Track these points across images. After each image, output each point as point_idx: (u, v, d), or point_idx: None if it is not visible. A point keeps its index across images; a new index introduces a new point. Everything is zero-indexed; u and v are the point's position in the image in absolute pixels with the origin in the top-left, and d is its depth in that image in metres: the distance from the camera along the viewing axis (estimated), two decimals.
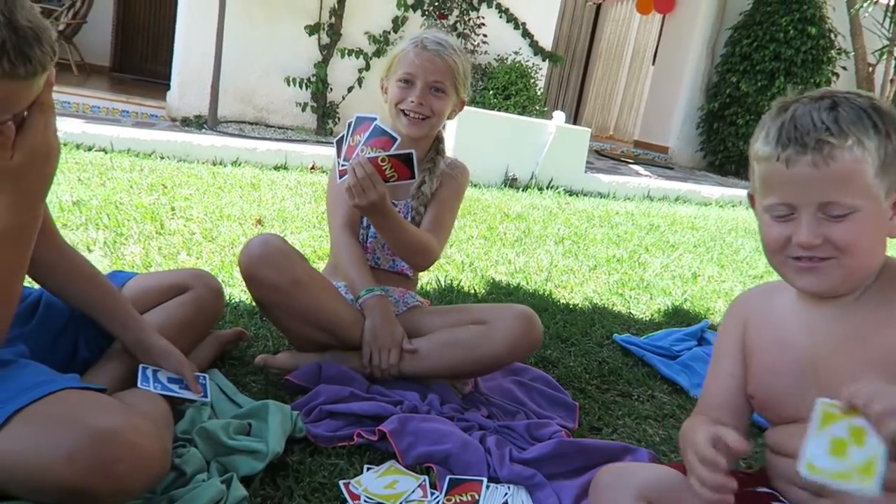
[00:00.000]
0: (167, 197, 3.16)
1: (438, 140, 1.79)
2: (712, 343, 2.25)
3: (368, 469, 1.31)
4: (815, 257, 0.96)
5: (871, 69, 8.91)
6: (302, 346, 1.68)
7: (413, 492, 1.25)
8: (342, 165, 1.48)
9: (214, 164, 4.17)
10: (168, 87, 5.80)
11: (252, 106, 6.01)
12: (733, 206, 6.06)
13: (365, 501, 1.20)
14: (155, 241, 2.49)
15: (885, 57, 8.76)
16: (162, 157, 4.10)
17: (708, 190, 6.16)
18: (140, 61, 7.96)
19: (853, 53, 8.61)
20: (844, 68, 8.31)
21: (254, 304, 2.02)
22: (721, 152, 8.19)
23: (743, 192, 6.36)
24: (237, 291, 2.11)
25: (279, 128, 5.99)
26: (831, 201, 0.93)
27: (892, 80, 9.04)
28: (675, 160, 8.51)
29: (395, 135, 1.48)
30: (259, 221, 2.96)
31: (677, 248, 3.81)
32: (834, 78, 8.01)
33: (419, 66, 1.64)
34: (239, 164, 4.27)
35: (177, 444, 1.24)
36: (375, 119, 1.48)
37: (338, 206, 1.72)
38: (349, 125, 1.50)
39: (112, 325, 1.34)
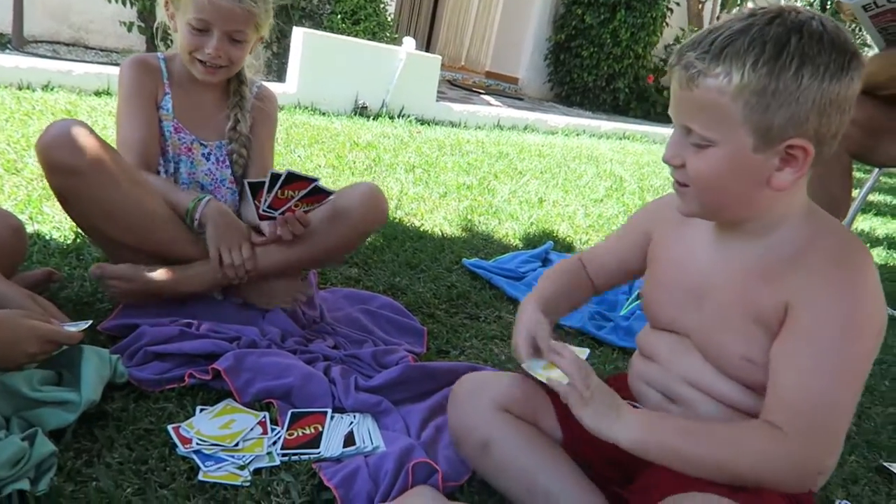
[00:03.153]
0: None
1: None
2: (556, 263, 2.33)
3: (202, 410, 1.22)
4: (678, 181, 0.93)
5: (700, 6, 9.50)
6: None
7: (252, 429, 1.18)
8: (266, 211, 1.45)
9: (20, 89, 3.65)
10: None
11: (67, 24, 5.32)
12: (577, 134, 6.29)
13: (198, 444, 1.12)
14: None
15: None
16: None
17: (555, 119, 6.35)
18: None
19: None
20: (678, 4, 8.78)
21: (66, 242, 1.81)
22: (567, 83, 8.45)
23: (587, 122, 6.62)
24: (47, 228, 1.87)
25: (101, 50, 5.37)
26: (689, 127, 0.88)
27: (717, 17, 9.71)
28: (524, 91, 8.67)
29: (329, 189, 1.45)
30: None
31: (525, 174, 3.89)
32: (668, 13, 8.44)
33: (215, 14, 1.45)
34: (51, 89, 3.77)
35: None
36: (317, 181, 1.42)
37: (131, 147, 1.53)
38: (276, 176, 1.38)
39: None
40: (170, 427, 1.15)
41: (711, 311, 0.98)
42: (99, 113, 3.43)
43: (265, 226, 1.51)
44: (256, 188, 1.41)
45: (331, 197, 1.47)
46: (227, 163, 1.64)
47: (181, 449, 1.11)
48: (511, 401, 1.09)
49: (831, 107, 0.82)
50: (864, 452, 1.50)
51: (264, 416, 1.22)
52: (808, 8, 0.87)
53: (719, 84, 0.83)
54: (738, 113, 0.83)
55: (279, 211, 1.44)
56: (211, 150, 1.63)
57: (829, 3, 10.37)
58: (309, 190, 1.42)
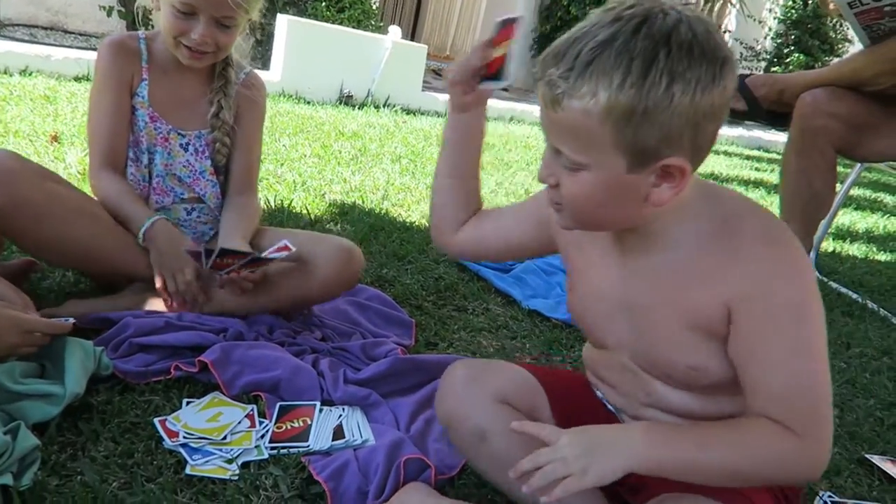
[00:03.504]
0: None
1: None
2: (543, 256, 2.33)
3: (189, 403, 1.20)
4: (553, 201, 0.88)
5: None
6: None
7: (239, 423, 1.17)
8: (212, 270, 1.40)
9: None
10: None
11: (45, 7, 5.21)
12: None
13: (185, 437, 1.10)
14: None
15: None
16: None
17: None
18: None
19: None
20: None
21: None
22: None
23: None
24: None
25: (80, 34, 5.27)
26: (559, 149, 0.82)
27: (700, 10, 9.74)
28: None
29: (272, 256, 1.38)
30: (55, 138, 2.59)
31: (511, 166, 3.89)
32: None
33: None
34: (29, 74, 3.70)
35: None
36: (252, 254, 1.38)
37: (97, 137, 1.47)
38: (209, 251, 1.34)
39: None
40: (156, 420, 1.13)
41: (642, 326, 0.94)
42: (79, 99, 3.37)
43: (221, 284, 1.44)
44: (195, 255, 1.37)
45: (284, 254, 1.39)
46: (207, 153, 1.55)
47: (168, 442, 1.09)
48: (511, 393, 1.06)
49: (705, 119, 0.77)
50: (846, 444, 1.52)
51: (252, 409, 1.21)
52: (673, 5, 0.78)
53: (585, 105, 0.76)
54: (608, 135, 0.77)
55: (223, 272, 1.39)
56: (189, 140, 1.53)
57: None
58: (248, 260, 1.38)
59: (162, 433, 1.10)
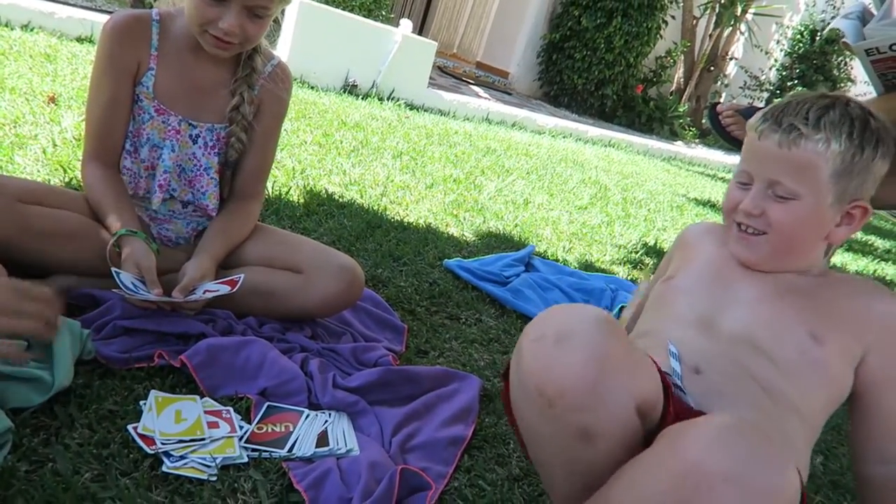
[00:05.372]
0: None
1: None
2: (539, 269, 2.31)
3: (144, 409, 1.10)
4: (751, 228, 1.04)
5: (694, 22, 9.54)
6: None
7: (220, 429, 1.10)
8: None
9: None
10: None
11: None
12: (564, 136, 6.28)
13: (163, 444, 1.03)
14: None
15: (708, 11, 9.42)
16: None
17: (543, 119, 6.33)
18: None
19: (682, 4, 9.14)
20: (673, 17, 8.81)
21: None
22: (556, 83, 8.43)
23: (574, 125, 6.62)
24: None
25: None
26: (779, 181, 0.99)
27: (710, 35, 9.76)
28: (513, 86, 8.63)
29: (212, 292, 1.31)
30: (52, 99, 2.52)
31: (511, 172, 3.86)
32: (663, 25, 8.46)
33: None
34: (31, 30, 3.61)
35: None
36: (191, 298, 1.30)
37: (91, 126, 1.38)
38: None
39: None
40: (130, 428, 1.06)
41: (758, 308, 1.04)
42: (79, 60, 3.29)
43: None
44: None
45: (227, 289, 1.32)
46: (217, 149, 1.44)
47: (147, 451, 1.02)
48: (650, 398, 0.84)
49: (878, 181, 1.01)
50: (829, 494, 1.51)
51: (229, 412, 1.15)
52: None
53: (817, 148, 0.97)
54: (827, 173, 0.98)
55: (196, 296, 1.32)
56: (200, 133, 1.42)
57: (819, 34, 10.52)
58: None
59: (140, 443, 1.03)
